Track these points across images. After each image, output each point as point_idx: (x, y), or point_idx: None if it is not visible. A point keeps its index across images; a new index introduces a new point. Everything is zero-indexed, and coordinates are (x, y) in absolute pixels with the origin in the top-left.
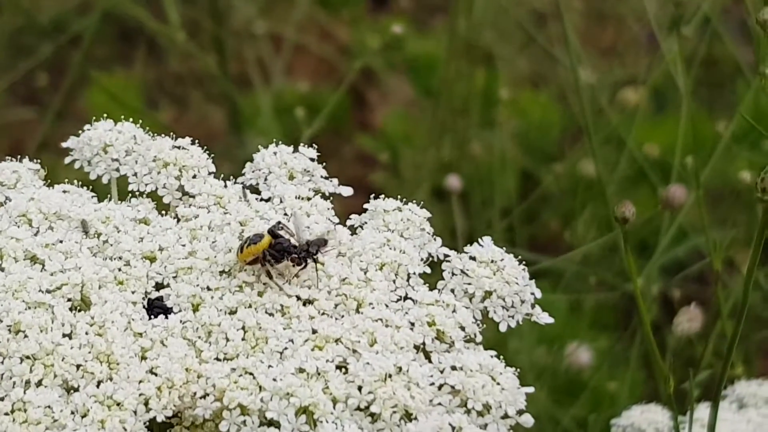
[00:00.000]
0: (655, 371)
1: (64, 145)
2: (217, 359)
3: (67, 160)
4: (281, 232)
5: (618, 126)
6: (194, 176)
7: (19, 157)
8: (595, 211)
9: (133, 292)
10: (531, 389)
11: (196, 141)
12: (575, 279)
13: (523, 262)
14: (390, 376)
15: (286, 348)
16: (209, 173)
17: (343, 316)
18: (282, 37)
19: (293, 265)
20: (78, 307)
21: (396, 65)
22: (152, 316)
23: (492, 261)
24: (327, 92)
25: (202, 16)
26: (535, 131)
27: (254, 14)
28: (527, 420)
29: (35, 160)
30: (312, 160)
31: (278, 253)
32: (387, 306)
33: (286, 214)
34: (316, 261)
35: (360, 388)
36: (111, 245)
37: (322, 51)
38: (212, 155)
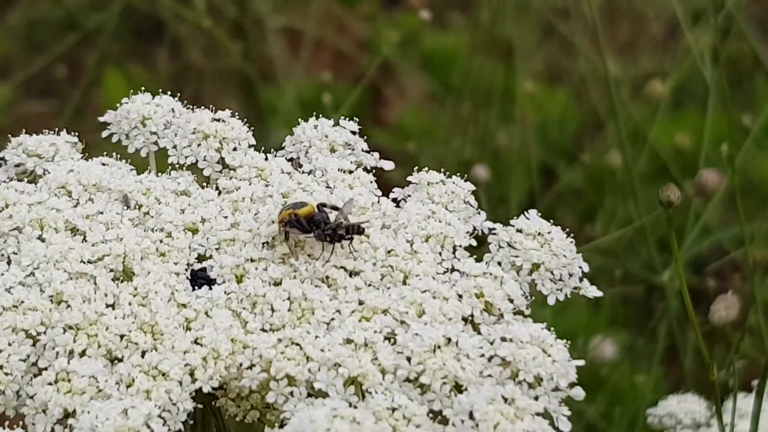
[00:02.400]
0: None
1: (101, 119)
2: (263, 330)
3: (105, 134)
4: (328, 211)
5: (640, 120)
6: (235, 149)
7: (56, 129)
8: (616, 206)
9: (175, 264)
10: (581, 362)
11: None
12: (597, 273)
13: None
14: (439, 347)
15: (333, 319)
16: (249, 146)
17: (389, 288)
18: (298, 31)
19: (317, 241)
20: (120, 278)
21: (412, 60)
22: (196, 287)
23: (539, 233)
24: (345, 87)
25: (225, 4)
26: (553, 126)
27: (270, 9)
28: (578, 393)
29: (73, 133)
30: (353, 133)
31: (309, 224)
32: (434, 278)
33: (328, 186)
34: (341, 242)
35: (409, 359)
36: (152, 217)
37: (340, 45)
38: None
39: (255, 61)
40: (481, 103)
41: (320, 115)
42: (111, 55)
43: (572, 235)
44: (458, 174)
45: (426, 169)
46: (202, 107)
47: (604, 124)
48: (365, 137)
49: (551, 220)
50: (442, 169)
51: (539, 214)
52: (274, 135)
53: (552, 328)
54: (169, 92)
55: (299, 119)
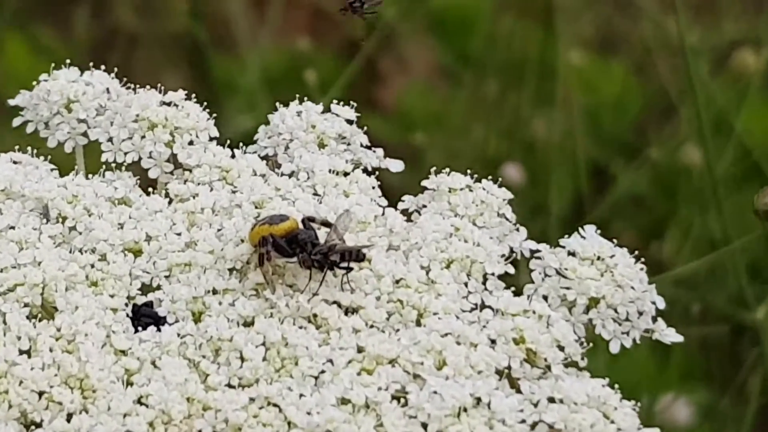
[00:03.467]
0: None
1: (11, 102)
2: (230, 386)
3: (16, 121)
4: (316, 228)
5: (725, 104)
6: (191, 142)
7: None
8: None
9: (111, 296)
10: (656, 430)
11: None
12: (668, 307)
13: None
14: (465, 409)
15: (323, 371)
16: (210, 139)
17: (398, 330)
18: None
19: (302, 268)
20: (38, 315)
21: (417, 22)
22: (139, 328)
23: (599, 258)
24: (327, 58)
25: None
26: (607, 112)
27: None
28: None
29: None
30: (349, 122)
31: (290, 246)
32: (458, 317)
33: (316, 194)
34: (333, 270)
35: (425, 426)
36: (80, 233)
37: (320, 1)
38: None
39: (206, 22)
40: (510, 80)
41: (303, 99)
42: (11, 14)
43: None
44: (479, 174)
45: (446, 170)
46: (137, 86)
47: (676, 108)
48: (364, 128)
49: (605, 237)
50: (469, 171)
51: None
52: (231, 121)
53: (617, 386)
54: (91, 64)
55: (267, 101)
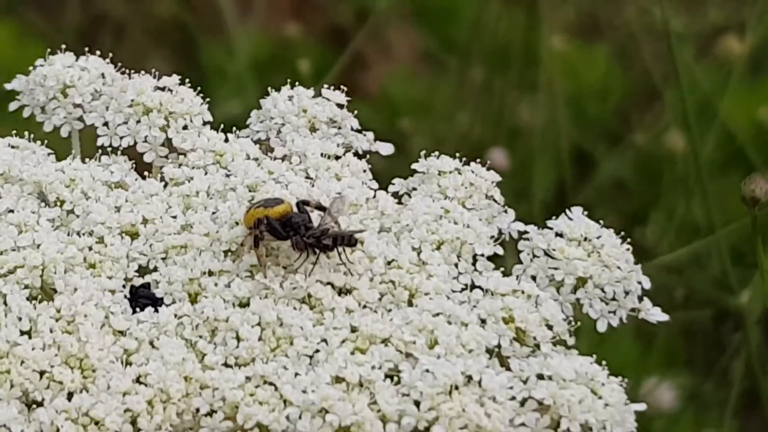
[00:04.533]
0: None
1: (8, 86)
2: (226, 365)
3: (13, 106)
4: (310, 211)
5: (709, 89)
6: (185, 126)
7: None
8: (675, 204)
9: (110, 278)
10: (642, 406)
11: None
12: (652, 292)
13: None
14: (457, 387)
15: (317, 350)
16: (204, 123)
17: (390, 310)
18: None
19: (295, 251)
20: (38, 297)
21: (401, 7)
22: (137, 309)
23: (585, 239)
24: (313, 43)
25: None
26: (590, 97)
27: None
28: None
29: None
30: (340, 107)
31: (284, 228)
32: (448, 297)
33: (308, 177)
34: (326, 253)
35: (417, 404)
36: (78, 216)
37: None
38: None
39: (193, 8)
40: (495, 66)
41: (295, 84)
42: None
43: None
44: (465, 161)
45: (436, 153)
46: (125, 71)
47: (659, 94)
48: (355, 112)
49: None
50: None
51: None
52: (219, 106)
53: (604, 362)
54: (86, 49)
55: (254, 86)
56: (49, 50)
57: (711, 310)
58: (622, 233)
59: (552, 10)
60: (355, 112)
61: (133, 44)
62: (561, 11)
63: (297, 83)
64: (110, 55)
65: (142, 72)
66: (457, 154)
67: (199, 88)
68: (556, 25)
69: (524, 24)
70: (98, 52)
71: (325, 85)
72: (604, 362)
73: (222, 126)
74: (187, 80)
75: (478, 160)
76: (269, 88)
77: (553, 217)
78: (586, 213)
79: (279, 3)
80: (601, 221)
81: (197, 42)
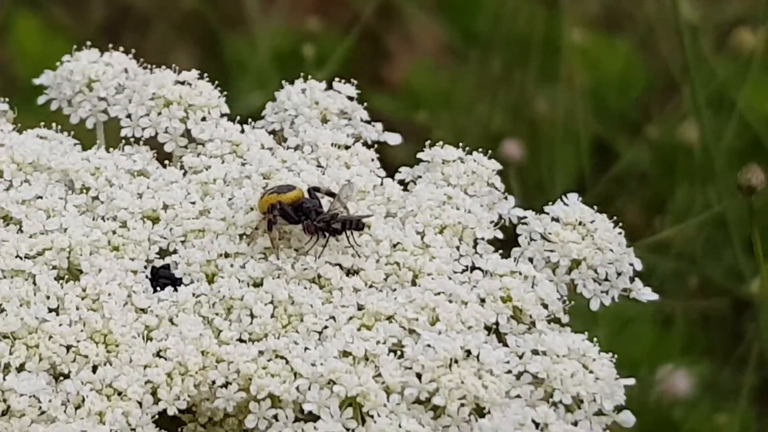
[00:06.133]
0: None
1: (36, 81)
2: (241, 340)
3: (41, 99)
4: (321, 197)
5: (726, 81)
6: (203, 118)
7: None
8: (693, 194)
9: (132, 259)
10: (631, 381)
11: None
12: (668, 280)
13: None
14: (456, 361)
15: (326, 327)
16: (221, 115)
17: (395, 289)
18: None
19: (306, 234)
20: (65, 277)
21: (424, 1)
22: (157, 288)
23: (580, 223)
24: (335, 36)
25: None
26: (610, 89)
27: None
28: (627, 419)
29: (2, 100)
30: (351, 99)
31: (296, 213)
32: (450, 277)
33: (320, 165)
34: (335, 236)
35: (419, 376)
36: (103, 202)
37: None
38: None
39: (216, 2)
40: (515, 58)
41: (308, 77)
42: None
43: (636, 231)
44: (483, 150)
45: (440, 143)
46: (151, 66)
47: (678, 86)
48: (364, 104)
49: (608, 212)
50: (461, 144)
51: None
52: (242, 98)
53: (595, 339)
54: (110, 46)
55: (277, 79)
56: (75, 46)
57: (726, 298)
58: (625, 224)
59: (573, 3)
60: (365, 104)
61: (157, 37)
62: (582, 3)
63: (311, 77)
64: (133, 50)
65: (164, 66)
66: (477, 149)
67: (218, 82)
68: (577, 17)
69: (545, 16)
70: (122, 48)
71: (342, 79)
72: (595, 339)
73: (244, 117)
74: (207, 74)
75: (496, 152)
76: (284, 82)
77: (558, 201)
78: (605, 204)
79: None
80: (608, 212)
81: (220, 35)
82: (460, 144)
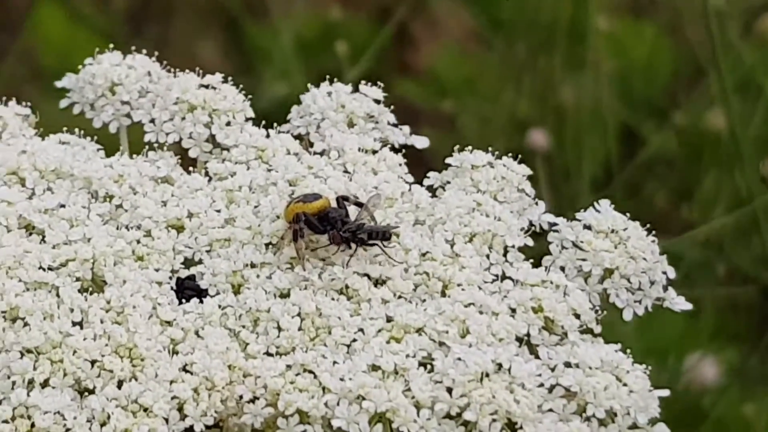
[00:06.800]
0: None
1: (59, 84)
2: (268, 354)
3: (63, 103)
4: (349, 207)
5: (754, 66)
6: (228, 123)
7: (4, 99)
8: (721, 181)
9: (157, 270)
10: (666, 392)
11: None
12: (696, 269)
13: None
14: (487, 374)
15: (354, 340)
16: (246, 119)
17: (425, 300)
18: None
19: (330, 243)
20: (89, 289)
21: None
22: (183, 300)
23: (612, 231)
24: (360, 24)
25: None
26: (638, 74)
27: None
28: (661, 431)
29: (24, 104)
30: (377, 102)
31: (321, 223)
32: (480, 288)
33: (346, 171)
34: (360, 246)
35: (450, 391)
36: (126, 211)
37: None
38: None
39: None
40: (541, 44)
41: (333, 80)
42: None
43: (663, 217)
44: (510, 140)
45: (470, 148)
46: (171, 69)
47: (705, 71)
48: (386, 96)
49: (635, 200)
50: (489, 147)
51: (611, 206)
52: (266, 89)
53: (629, 350)
54: (133, 48)
55: (301, 69)
56: (97, 49)
57: (755, 285)
58: (648, 226)
59: None
60: (392, 107)
61: (180, 26)
62: None
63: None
64: (154, 39)
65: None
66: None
67: (240, 74)
68: (603, 3)
69: (571, 2)
70: (144, 51)
71: (364, 82)
72: (629, 351)
73: (269, 109)
74: (231, 63)
75: (522, 139)
76: (309, 85)
77: (590, 209)
78: (633, 190)
79: None
80: (636, 198)
81: (243, 24)
82: (486, 138)
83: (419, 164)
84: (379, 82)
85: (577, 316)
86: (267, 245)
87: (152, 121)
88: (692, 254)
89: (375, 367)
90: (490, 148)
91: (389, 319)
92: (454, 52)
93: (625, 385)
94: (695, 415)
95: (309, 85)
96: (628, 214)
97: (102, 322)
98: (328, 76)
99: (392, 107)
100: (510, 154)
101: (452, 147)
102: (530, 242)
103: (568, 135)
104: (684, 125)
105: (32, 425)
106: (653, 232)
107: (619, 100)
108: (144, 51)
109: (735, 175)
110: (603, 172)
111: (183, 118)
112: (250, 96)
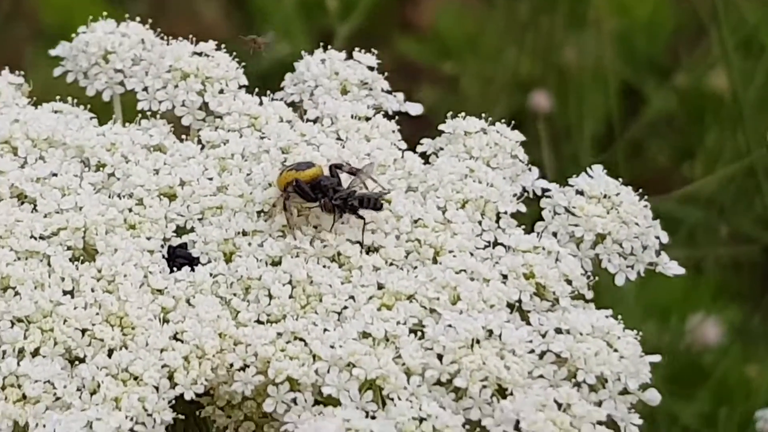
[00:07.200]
0: None
1: (52, 52)
2: (259, 322)
3: (57, 71)
4: (342, 175)
5: (756, 25)
6: (221, 91)
7: None
8: (722, 141)
9: (148, 238)
10: (657, 357)
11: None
12: (698, 229)
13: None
14: (478, 341)
15: (345, 307)
16: (240, 87)
17: (416, 267)
18: None
19: (322, 211)
20: (80, 258)
21: None
22: (174, 268)
23: (605, 196)
24: None
25: None
26: (639, 34)
27: None
28: (653, 397)
29: (17, 72)
30: (371, 69)
31: (313, 191)
32: (472, 254)
33: (339, 138)
34: (356, 215)
35: (440, 357)
36: (119, 179)
37: None
38: None
39: None
40: (543, 2)
41: (327, 47)
42: None
43: (664, 177)
44: (512, 99)
45: (463, 114)
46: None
47: (707, 30)
48: (388, 53)
49: (637, 159)
50: (484, 115)
51: (605, 172)
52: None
53: (628, 312)
54: (126, 16)
55: (302, 28)
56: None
57: (757, 246)
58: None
59: None
60: (386, 74)
61: None
62: None
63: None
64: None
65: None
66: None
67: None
68: None
69: None
70: (137, 18)
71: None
72: (620, 316)
73: (270, 69)
74: (232, 23)
75: (524, 99)
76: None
77: (582, 174)
78: (635, 148)
79: None
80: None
81: None
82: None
83: (422, 125)
84: (375, 47)
85: (569, 282)
86: (259, 213)
87: (145, 89)
88: (694, 215)
89: (365, 335)
90: (483, 114)
91: (380, 287)
92: (455, 9)
93: (615, 350)
94: (697, 375)
95: (303, 52)
96: (621, 179)
97: (93, 290)
98: (321, 44)
99: (394, 66)
100: (512, 116)
101: (452, 105)
102: (523, 208)
103: (570, 94)
104: (686, 86)
105: (23, 395)
106: (649, 195)
107: (621, 59)
108: (145, 10)
109: (737, 135)
110: (605, 132)
111: (176, 86)
112: (252, 55)
